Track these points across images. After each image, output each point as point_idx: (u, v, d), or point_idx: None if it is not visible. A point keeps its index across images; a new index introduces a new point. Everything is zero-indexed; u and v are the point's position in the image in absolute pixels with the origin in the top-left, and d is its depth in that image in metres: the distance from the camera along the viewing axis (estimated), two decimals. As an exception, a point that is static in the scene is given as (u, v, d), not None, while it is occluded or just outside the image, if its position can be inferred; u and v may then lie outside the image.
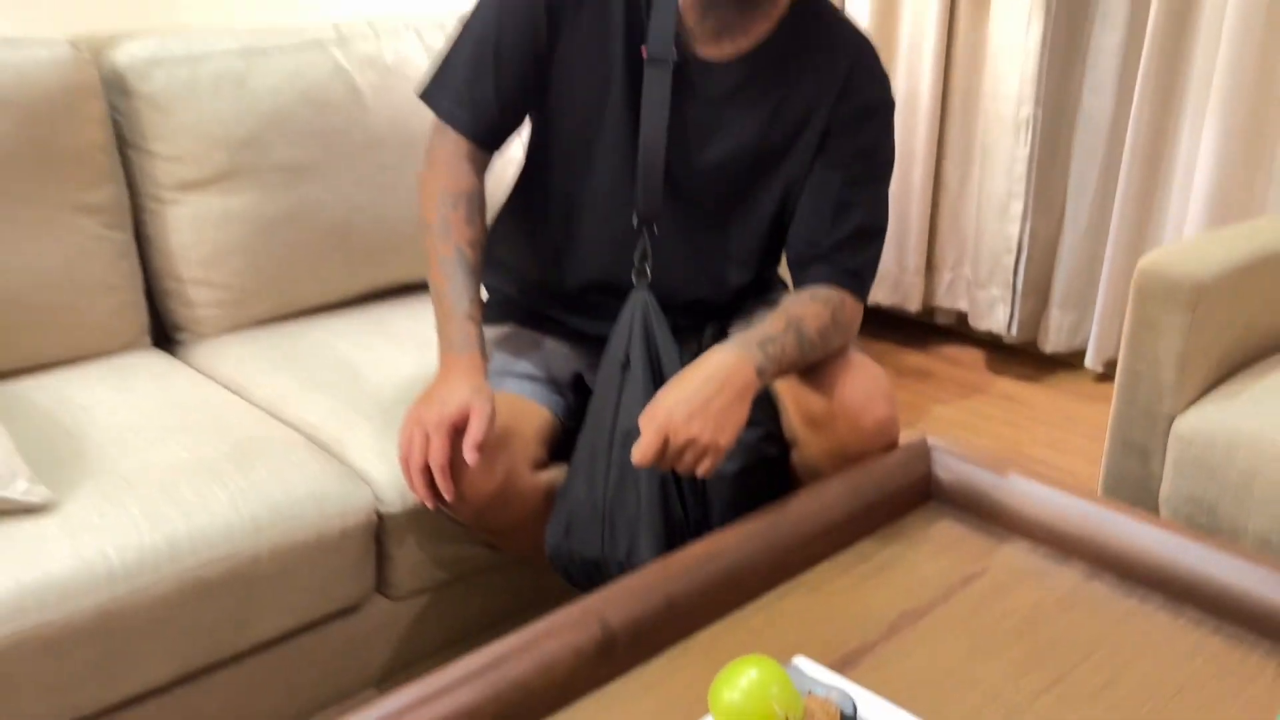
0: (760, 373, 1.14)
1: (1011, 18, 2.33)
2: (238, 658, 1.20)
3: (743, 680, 0.82)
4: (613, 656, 0.94)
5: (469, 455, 1.11)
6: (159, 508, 1.14)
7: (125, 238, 1.54)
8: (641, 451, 1.08)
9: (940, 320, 2.70)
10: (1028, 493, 1.15)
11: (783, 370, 1.18)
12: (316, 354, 1.55)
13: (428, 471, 1.13)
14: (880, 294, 2.63)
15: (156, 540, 1.10)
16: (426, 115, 1.33)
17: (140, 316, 1.56)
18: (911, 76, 2.48)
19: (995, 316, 2.50)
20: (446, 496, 1.14)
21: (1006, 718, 0.90)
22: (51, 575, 1.05)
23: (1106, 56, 2.27)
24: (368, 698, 1.33)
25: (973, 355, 2.61)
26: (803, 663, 0.93)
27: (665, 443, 1.08)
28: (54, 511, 1.11)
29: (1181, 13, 2.13)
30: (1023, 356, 2.56)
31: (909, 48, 2.47)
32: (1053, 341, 2.46)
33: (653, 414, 1.10)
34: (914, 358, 2.59)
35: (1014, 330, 2.49)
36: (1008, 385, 2.47)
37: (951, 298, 2.60)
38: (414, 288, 1.75)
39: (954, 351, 2.63)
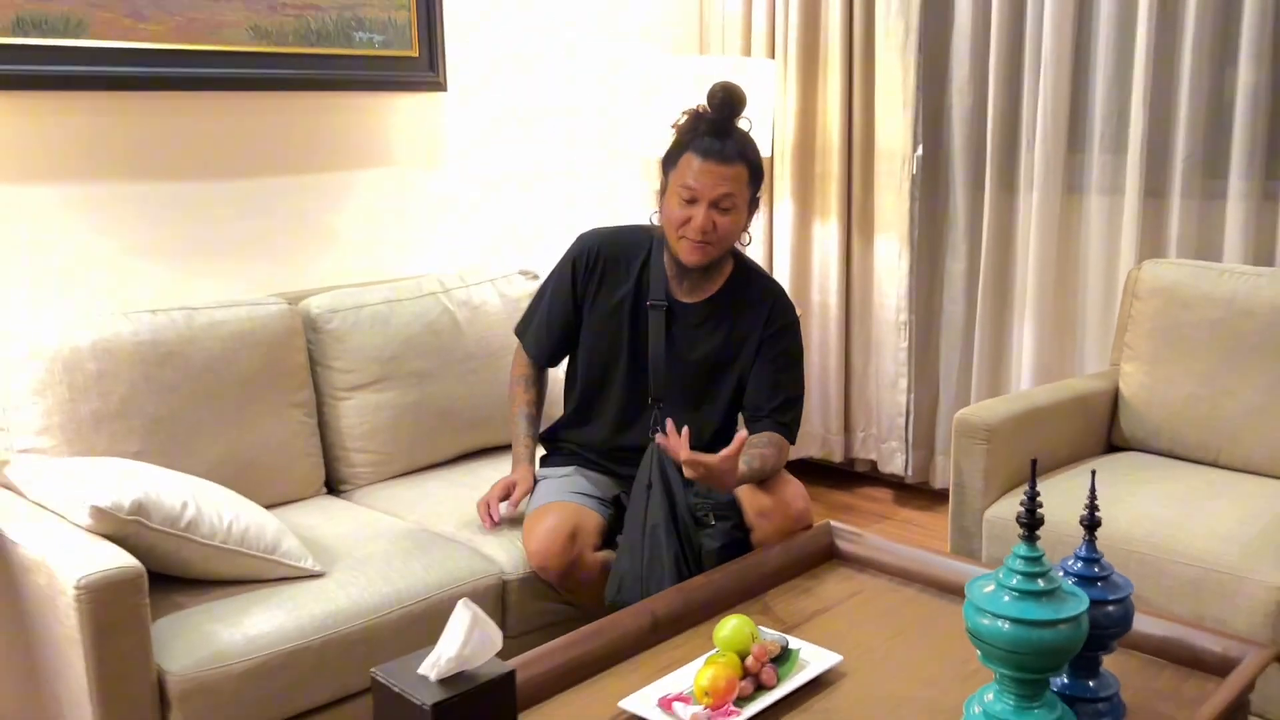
0: (744, 476, 1.97)
1: (889, 252, 3.29)
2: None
3: (730, 624, 1.63)
4: (657, 630, 1.74)
5: (509, 512, 2.10)
6: (382, 575, 1.93)
7: (314, 422, 2.37)
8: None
9: (858, 468, 3.57)
10: (883, 548, 1.99)
11: (751, 479, 2.02)
12: (437, 492, 2.37)
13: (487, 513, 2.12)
14: (812, 449, 3.50)
15: (386, 592, 1.90)
16: (502, 336, 2.30)
17: (321, 473, 2.39)
18: (823, 293, 3.43)
19: (896, 463, 3.38)
20: (487, 526, 2.11)
21: (871, 652, 1.71)
22: (331, 610, 1.83)
23: (955, 277, 3.24)
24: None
25: (883, 493, 3.47)
26: (762, 629, 1.74)
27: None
28: (326, 577, 1.91)
29: (1004, 245, 3.11)
30: (919, 491, 3.43)
31: (819, 274, 3.43)
32: (939, 479, 3.33)
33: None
34: (840, 496, 3.45)
35: (910, 473, 3.36)
36: (909, 513, 3.32)
37: (864, 450, 3.48)
38: (494, 449, 2.59)
39: (869, 490, 3.49)
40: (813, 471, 3.55)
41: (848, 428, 3.50)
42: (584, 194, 3.26)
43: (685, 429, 1.87)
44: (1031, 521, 1.40)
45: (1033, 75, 2.95)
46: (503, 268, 2.76)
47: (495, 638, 1.34)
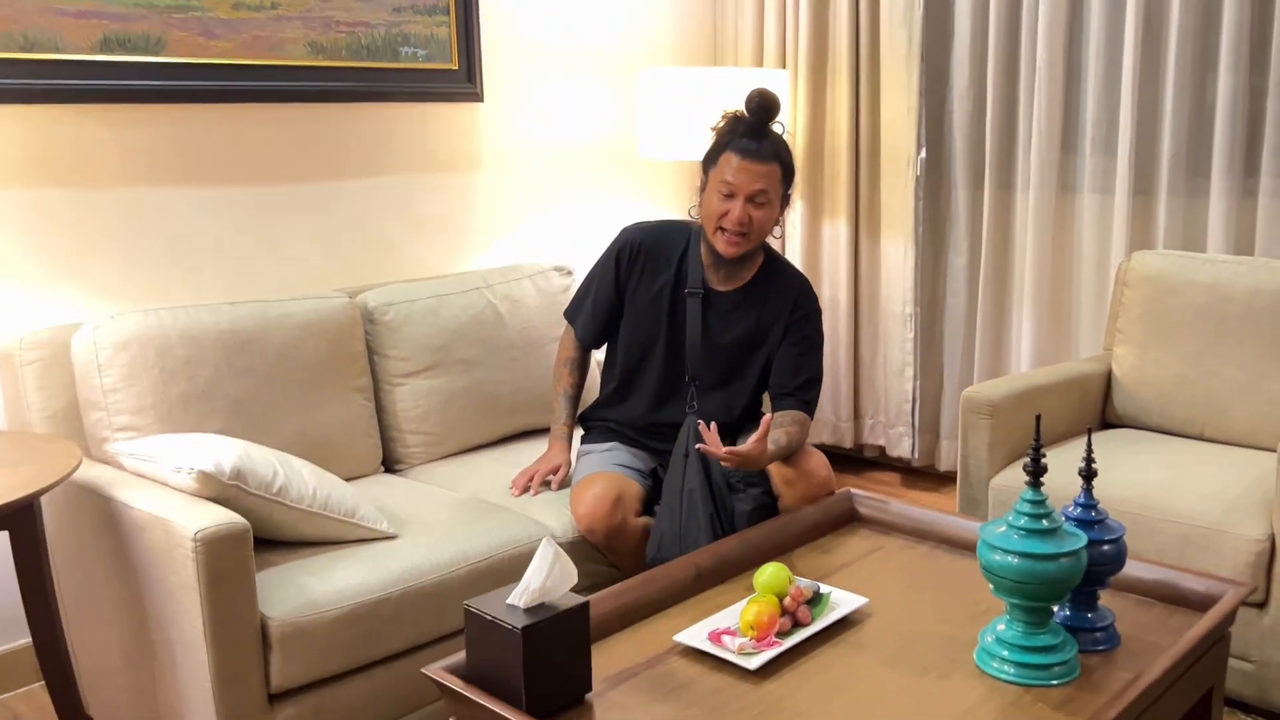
0: (773, 455, 2.18)
1: (895, 248, 3.51)
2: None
3: (769, 570, 1.83)
4: (700, 581, 1.95)
5: (554, 488, 2.28)
6: (448, 537, 2.13)
7: (372, 406, 2.57)
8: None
9: (867, 454, 3.77)
10: (900, 511, 2.20)
11: (779, 455, 2.22)
12: (485, 469, 2.57)
13: (527, 486, 2.30)
14: (824, 436, 3.71)
15: (453, 551, 2.10)
16: (541, 326, 2.52)
17: (379, 453, 2.59)
18: (833, 288, 3.64)
19: (903, 447, 3.58)
20: (532, 494, 2.31)
21: (892, 597, 1.91)
22: (406, 567, 2.03)
23: (958, 271, 3.46)
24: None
25: (891, 476, 3.68)
26: (798, 578, 1.94)
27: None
28: (398, 539, 2.11)
29: (1003, 241, 3.33)
30: (925, 474, 3.63)
31: (830, 270, 3.65)
32: (944, 462, 3.54)
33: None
34: (850, 480, 3.65)
35: (916, 456, 3.57)
36: (916, 494, 3.52)
37: (873, 436, 3.69)
38: (536, 431, 2.80)
39: (878, 474, 3.70)
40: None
41: (857, 415, 3.71)
42: (610, 195, 3.47)
43: (714, 425, 2.13)
44: (1036, 469, 1.60)
45: (1028, 82, 3.17)
46: (538, 264, 2.97)
47: (572, 573, 1.54)
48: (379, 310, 2.60)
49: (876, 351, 3.62)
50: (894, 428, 3.60)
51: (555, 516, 2.31)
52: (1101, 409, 2.81)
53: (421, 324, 2.63)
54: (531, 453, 2.65)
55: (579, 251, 3.35)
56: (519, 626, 1.47)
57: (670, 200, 3.66)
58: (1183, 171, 2.95)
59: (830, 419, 3.70)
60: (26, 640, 2.42)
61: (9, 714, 2.33)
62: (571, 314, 2.50)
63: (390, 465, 2.63)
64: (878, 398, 3.65)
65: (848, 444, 3.71)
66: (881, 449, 3.70)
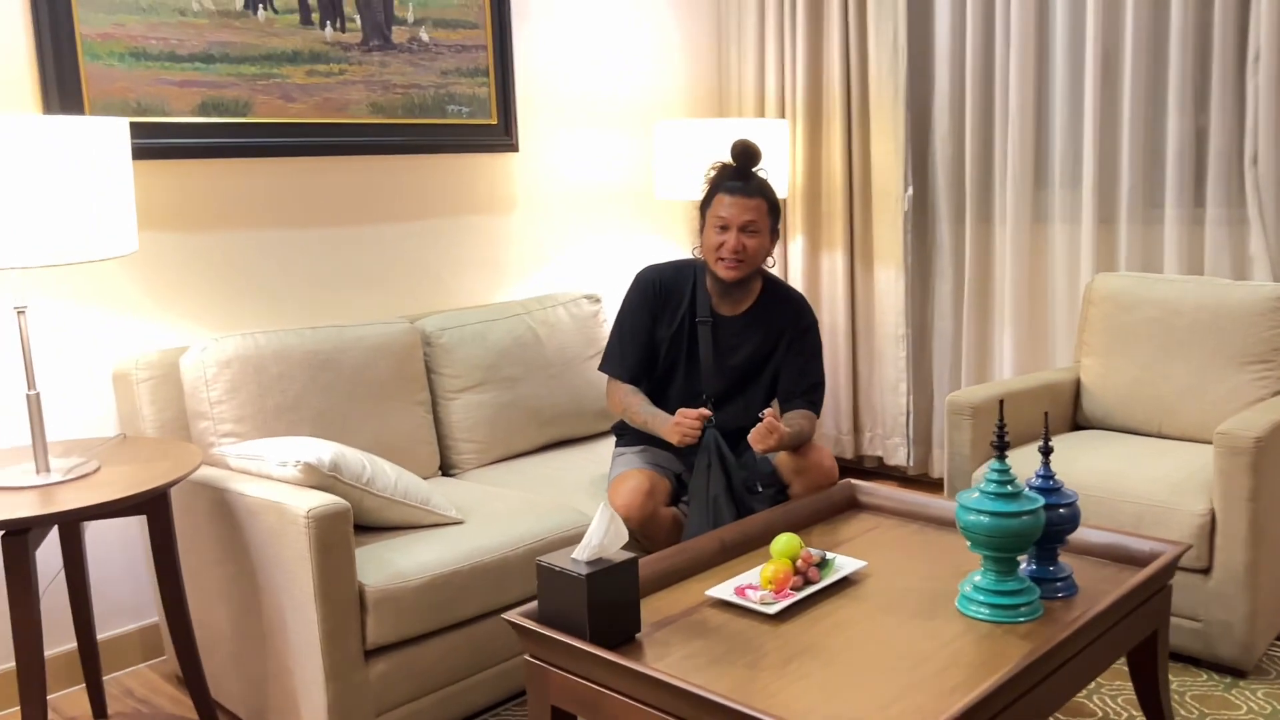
0: (790, 435, 2.53)
1: (887, 276, 3.88)
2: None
3: (783, 539, 2.18)
4: (724, 552, 2.30)
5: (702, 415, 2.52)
6: (508, 523, 2.49)
7: (431, 418, 2.94)
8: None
9: (867, 464, 4.13)
10: (893, 496, 2.56)
11: (794, 439, 2.57)
12: (530, 472, 2.93)
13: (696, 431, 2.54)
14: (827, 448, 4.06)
15: (513, 534, 2.45)
16: (575, 347, 2.90)
17: (437, 458, 2.95)
18: (832, 313, 4.01)
19: (899, 456, 3.94)
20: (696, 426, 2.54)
21: (887, 563, 2.26)
22: (475, 546, 2.38)
23: (944, 296, 3.83)
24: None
25: (888, 485, 4.02)
26: (808, 549, 2.29)
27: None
28: (465, 524, 2.46)
29: (983, 268, 3.70)
30: (920, 481, 3.98)
31: (828, 297, 4.02)
32: (936, 469, 3.90)
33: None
34: (852, 488, 3.99)
35: (912, 464, 3.92)
36: (912, 499, 3.86)
37: (872, 448, 4.05)
38: (573, 440, 3.16)
39: (876, 483, 4.04)
40: (828, 468, 4.10)
41: (857, 428, 4.07)
42: (630, 231, 3.86)
43: (770, 410, 2.49)
44: (1001, 444, 1.96)
45: (1002, 126, 3.56)
46: (570, 293, 3.34)
47: (624, 533, 1.90)
48: (435, 334, 2.97)
49: (873, 370, 3.99)
50: (890, 439, 3.96)
51: (595, 507, 2.66)
52: (1072, 413, 3.17)
53: (471, 346, 3.00)
54: (568, 459, 3.01)
55: (605, 281, 3.74)
56: (583, 574, 1.82)
57: (682, 235, 4.05)
58: (1140, 202, 3.33)
59: (832, 432, 4.05)
60: (132, 625, 2.77)
61: (121, 689, 2.67)
62: (611, 367, 2.77)
63: (446, 470, 2.99)
64: (875, 412, 4.00)
65: (849, 455, 4.06)
66: (879, 459, 4.05)
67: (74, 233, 1.94)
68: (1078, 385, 3.16)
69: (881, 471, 4.10)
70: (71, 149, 1.93)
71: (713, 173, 2.69)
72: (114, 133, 2.02)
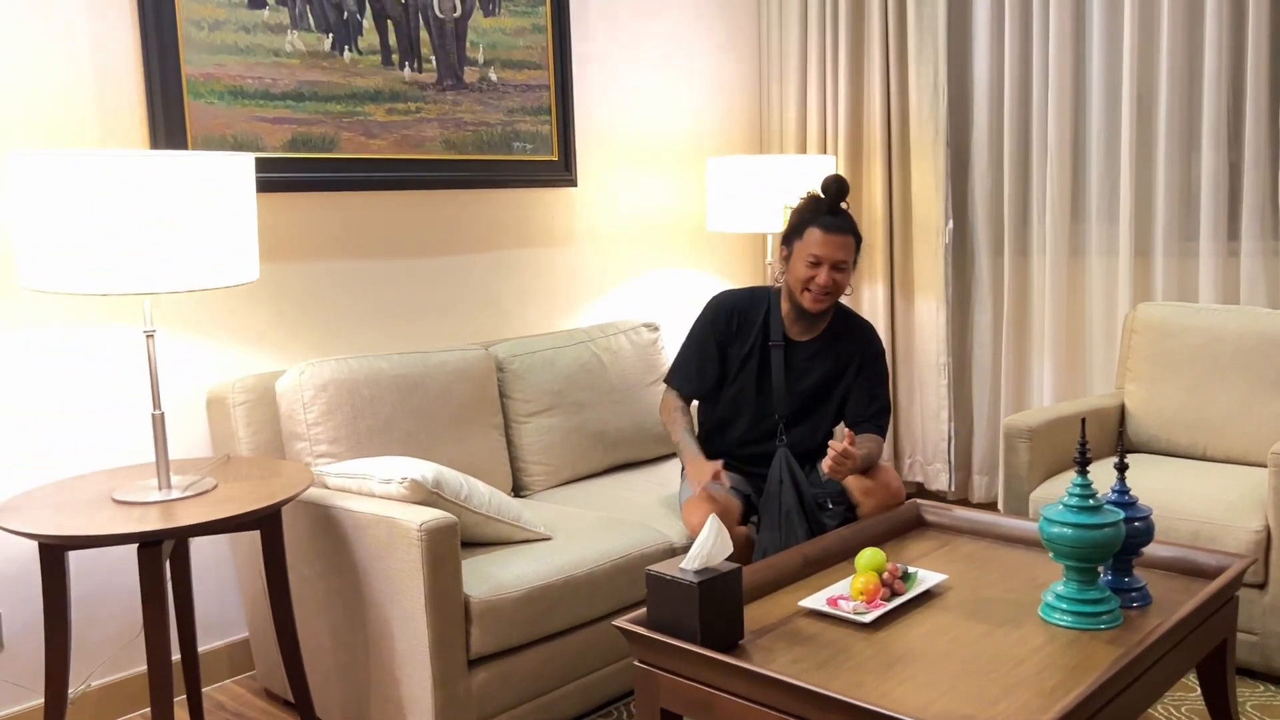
0: (861, 459, 2.64)
1: (928, 307, 4.02)
2: (619, 610, 2.61)
3: (869, 553, 2.28)
4: (808, 566, 2.40)
5: (723, 481, 2.60)
6: (592, 540, 2.59)
7: (504, 440, 3.05)
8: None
9: (908, 490, 4.23)
10: (960, 515, 2.67)
11: (865, 462, 2.69)
12: (598, 493, 3.03)
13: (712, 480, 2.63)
14: (868, 475, 4.17)
15: (599, 549, 2.55)
16: (636, 373, 3.00)
17: (510, 479, 3.05)
18: (873, 342, 4.14)
19: (940, 482, 4.05)
20: (718, 485, 2.61)
21: (964, 577, 2.37)
22: (566, 560, 2.48)
23: (984, 327, 3.96)
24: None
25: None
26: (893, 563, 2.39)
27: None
28: (553, 540, 2.57)
29: (1022, 300, 3.84)
30: (963, 506, 4.08)
31: (870, 326, 4.15)
32: (977, 495, 4.01)
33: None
34: (894, 513, 4.10)
35: (953, 489, 4.04)
36: (953, 523, 3.97)
37: (913, 474, 4.16)
38: (636, 463, 3.27)
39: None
40: (868, 494, 4.21)
41: (896, 454, 4.18)
42: (684, 262, 4.00)
43: (848, 432, 2.59)
44: (1084, 460, 2.08)
45: (1040, 162, 3.71)
46: (630, 321, 3.47)
47: (729, 544, 2.00)
48: (507, 360, 3.09)
49: (914, 398, 4.11)
50: (931, 464, 4.07)
51: (672, 526, 2.76)
52: (1117, 436, 3.29)
53: (541, 372, 3.12)
54: (632, 481, 3.12)
55: (660, 310, 3.87)
56: (696, 581, 1.93)
57: (733, 266, 4.18)
58: (1175, 235, 3.47)
59: (873, 459, 4.16)
60: (219, 642, 2.86)
61: (212, 703, 2.75)
62: (676, 380, 2.91)
63: (517, 490, 3.09)
64: (915, 439, 4.12)
65: (889, 481, 4.17)
66: (920, 485, 4.17)
67: (205, 261, 2.06)
68: (1121, 410, 3.29)
69: (922, 496, 4.20)
70: (205, 182, 2.04)
71: (802, 202, 2.80)
72: (241, 168, 2.14)
